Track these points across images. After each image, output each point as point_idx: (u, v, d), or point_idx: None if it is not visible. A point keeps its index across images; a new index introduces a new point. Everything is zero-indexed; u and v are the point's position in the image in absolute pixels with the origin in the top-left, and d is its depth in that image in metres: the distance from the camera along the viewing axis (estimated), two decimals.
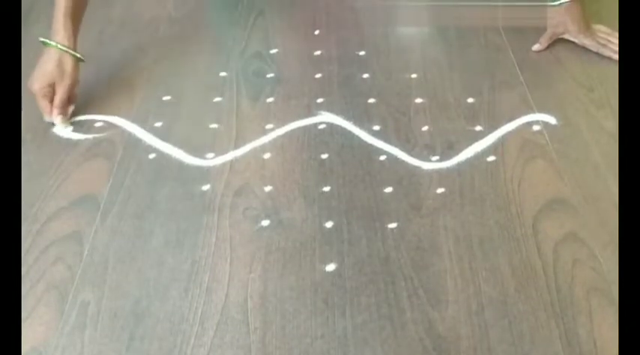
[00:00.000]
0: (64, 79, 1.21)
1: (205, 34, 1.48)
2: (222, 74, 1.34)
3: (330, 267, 0.96)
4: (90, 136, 1.19)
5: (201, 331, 0.89)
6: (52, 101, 1.21)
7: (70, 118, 1.22)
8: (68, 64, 1.21)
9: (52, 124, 1.21)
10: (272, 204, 1.06)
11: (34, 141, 1.18)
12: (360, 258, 0.97)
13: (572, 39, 1.36)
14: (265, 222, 1.03)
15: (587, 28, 1.34)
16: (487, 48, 1.39)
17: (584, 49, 1.35)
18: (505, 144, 1.15)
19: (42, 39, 1.22)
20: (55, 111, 1.20)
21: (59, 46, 1.21)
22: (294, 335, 0.88)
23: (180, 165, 1.13)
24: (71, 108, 1.23)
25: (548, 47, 1.37)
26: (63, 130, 1.20)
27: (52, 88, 1.21)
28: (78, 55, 1.23)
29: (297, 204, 1.05)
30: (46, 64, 1.21)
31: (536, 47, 1.37)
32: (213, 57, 1.39)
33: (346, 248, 0.99)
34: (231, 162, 1.14)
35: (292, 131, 1.19)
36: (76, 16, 1.24)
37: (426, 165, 1.11)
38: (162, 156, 1.15)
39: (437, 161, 1.12)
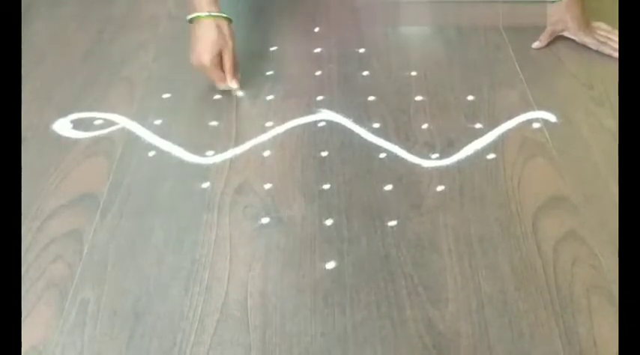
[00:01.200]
0: (228, 43, 1.23)
1: None
2: None
3: (330, 265, 0.96)
4: (90, 134, 1.19)
5: (201, 329, 0.89)
6: (221, 69, 1.24)
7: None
8: (225, 27, 1.23)
9: (52, 122, 1.21)
10: (272, 202, 1.06)
11: (33, 140, 1.18)
12: (360, 256, 0.97)
13: (571, 36, 1.36)
14: (265, 220, 1.03)
15: (586, 25, 1.34)
16: (487, 46, 1.39)
17: (584, 47, 1.35)
18: (505, 142, 1.15)
19: (190, 17, 1.23)
20: (230, 76, 1.24)
21: (212, 14, 1.22)
22: (293, 333, 0.88)
23: (180, 163, 1.13)
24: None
25: (548, 45, 1.37)
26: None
27: (220, 57, 1.23)
28: (228, 17, 1.24)
29: (297, 202, 1.05)
30: (207, 35, 1.21)
31: (536, 45, 1.37)
32: None
33: (346, 246, 0.98)
34: (231, 160, 1.14)
35: (292, 129, 1.19)
36: None
37: (425, 163, 1.11)
38: (162, 153, 1.15)
39: (437, 159, 1.12)
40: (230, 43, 1.23)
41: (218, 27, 1.22)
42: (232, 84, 1.25)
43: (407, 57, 1.36)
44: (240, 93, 1.26)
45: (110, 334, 0.88)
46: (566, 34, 1.37)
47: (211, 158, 1.14)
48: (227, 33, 1.23)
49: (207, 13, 1.22)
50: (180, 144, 1.16)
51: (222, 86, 1.25)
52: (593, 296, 0.90)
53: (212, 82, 1.25)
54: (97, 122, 1.22)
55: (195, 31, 1.23)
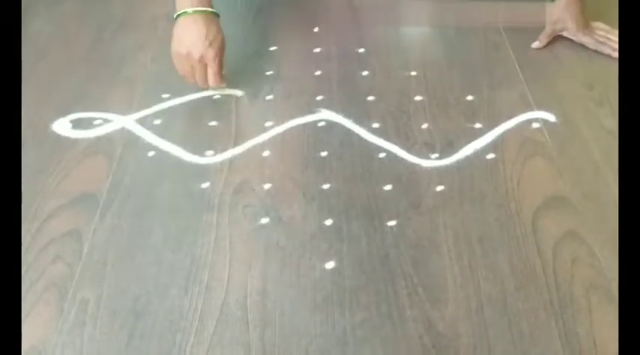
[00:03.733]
0: (218, 37, 1.18)
1: None
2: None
3: (330, 265, 0.96)
4: (89, 134, 1.19)
5: (200, 328, 0.89)
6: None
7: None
8: (216, 22, 1.19)
9: (52, 122, 1.21)
10: (271, 202, 1.06)
11: (33, 139, 1.18)
12: (360, 256, 0.97)
13: (571, 36, 1.36)
14: (265, 220, 1.03)
15: (586, 25, 1.35)
16: (486, 46, 1.38)
17: (584, 47, 1.35)
18: (504, 142, 1.15)
19: (178, 13, 1.18)
20: (218, 77, 1.20)
21: (201, 9, 1.17)
22: (293, 333, 0.88)
23: (180, 163, 1.13)
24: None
25: (547, 45, 1.37)
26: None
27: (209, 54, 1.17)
28: (216, 12, 1.20)
29: (297, 202, 1.05)
30: (198, 28, 1.16)
31: (535, 45, 1.37)
32: None
33: (345, 246, 0.98)
34: (231, 160, 1.13)
35: (292, 128, 1.19)
36: None
37: (425, 163, 1.11)
38: (161, 153, 1.15)
39: (436, 159, 1.12)
40: (220, 37, 1.19)
41: (209, 20, 1.18)
42: (221, 83, 1.21)
43: (406, 57, 1.36)
44: (239, 93, 1.26)
45: (110, 334, 0.88)
46: (565, 34, 1.37)
47: (211, 158, 1.14)
48: (217, 27, 1.19)
49: (195, 9, 1.17)
50: (179, 144, 1.16)
51: (204, 85, 1.21)
52: (592, 296, 0.90)
53: (191, 80, 1.21)
54: (96, 122, 1.22)
55: (183, 25, 1.17)
